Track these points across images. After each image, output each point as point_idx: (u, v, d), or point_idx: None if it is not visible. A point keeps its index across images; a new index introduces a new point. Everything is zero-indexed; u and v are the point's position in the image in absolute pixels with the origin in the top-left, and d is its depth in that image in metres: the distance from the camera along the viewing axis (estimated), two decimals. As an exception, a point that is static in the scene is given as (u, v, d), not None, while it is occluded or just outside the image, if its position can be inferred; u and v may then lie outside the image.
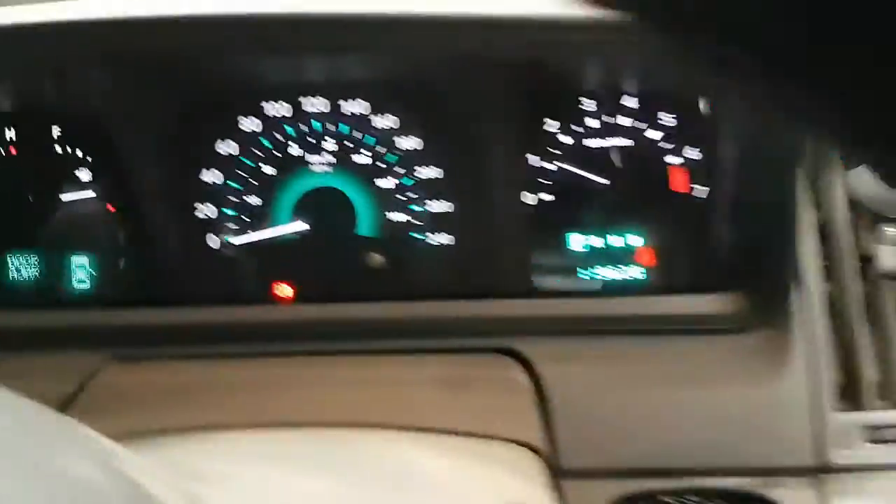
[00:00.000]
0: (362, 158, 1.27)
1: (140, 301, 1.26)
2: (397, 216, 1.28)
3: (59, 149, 1.26)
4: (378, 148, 1.27)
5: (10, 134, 1.26)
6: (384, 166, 1.27)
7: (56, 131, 1.26)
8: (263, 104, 1.25)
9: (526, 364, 1.21)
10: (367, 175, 1.28)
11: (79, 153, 1.26)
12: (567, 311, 1.23)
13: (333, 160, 1.28)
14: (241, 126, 1.26)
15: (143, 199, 1.24)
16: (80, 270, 1.29)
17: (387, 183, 1.28)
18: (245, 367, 1.22)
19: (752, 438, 1.11)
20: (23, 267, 1.28)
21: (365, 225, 1.29)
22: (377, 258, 1.25)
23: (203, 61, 1.20)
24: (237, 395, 1.18)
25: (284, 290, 1.29)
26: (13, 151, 1.27)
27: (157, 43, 1.07)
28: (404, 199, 1.28)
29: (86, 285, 1.29)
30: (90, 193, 1.27)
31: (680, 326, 1.21)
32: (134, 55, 1.10)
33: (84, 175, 1.27)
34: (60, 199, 1.27)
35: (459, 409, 1.14)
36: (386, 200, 1.28)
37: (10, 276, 1.28)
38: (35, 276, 1.28)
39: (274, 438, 1.07)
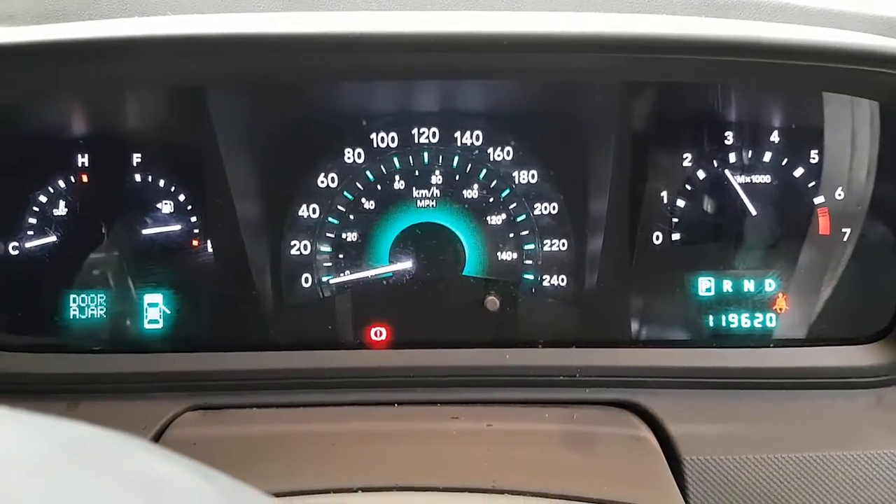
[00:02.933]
0: (472, 193, 1.17)
1: (222, 345, 1.15)
2: (508, 255, 1.18)
3: (138, 178, 1.15)
4: (490, 181, 1.17)
5: (84, 160, 1.15)
6: (496, 201, 1.17)
7: (136, 159, 1.14)
8: (371, 134, 1.14)
9: (649, 419, 1.12)
10: (476, 211, 1.17)
11: (161, 183, 1.15)
12: (694, 362, 1.13)
13: (440, 194, 1.17)
14: (344, 157, 1.15)
15: (232, 234, 1.13)
16: (156, 311, 1.17)
17: (498, 219, 1.17)
18: (337, 418, 1.12)
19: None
20: (89, 307, 1.17)
21: (473, 264, 1.18)
22: (493, 301, 1.15)
23: (310, 87, 1.09)
24: (331, 449, 1.07)
25: (380, 333, 1.19)
26: (84, 179, 1.15)
27: (260, 63, 0.95)
28: (516, 236, 1.18)
29: (163, 327, 1.18)
30: (173, 227, 1.15)
31: (819, 380, 1.12)
32: (239, 75, 0.99)
33: (166, 208, 1.15)
34: (138, 233, 1.16)
35: (591, 472, 1.04)
36: (496, 238, 1.18)
37: (73, 315, 1.16)
38: (103, 316, 1.17)
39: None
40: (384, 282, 1.18)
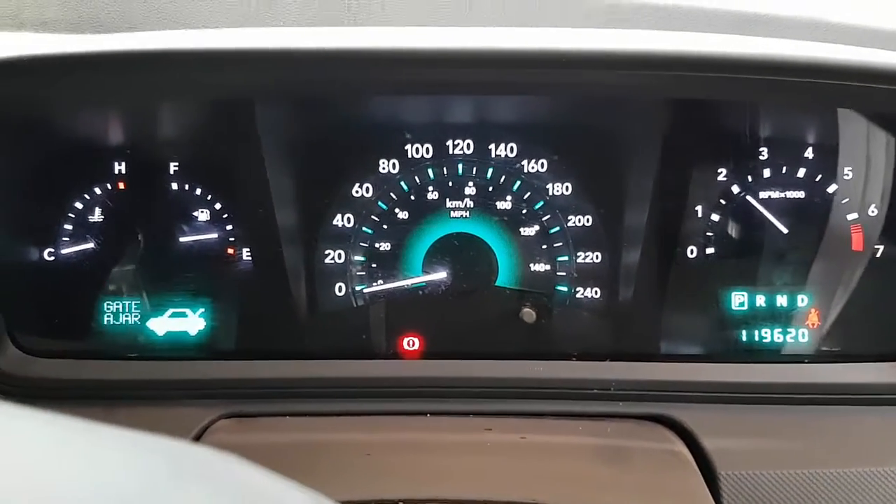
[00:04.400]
0: (505, 204, 1.17)
1: (255, 353, 1.16)
2: (541, 267, 1.18)
3: (175, 186, 1.15)
4: (524, 193, 1.17)
5: (120, 167, 1.15)
6: (529, 213, 1.17)
7: (173, 167, 1.15)
8: (406, 146, 1.14)
9: (683, 433, 1.12)
10: (509, 222, 1.17)
11: (198, 192, 1.15)
12: (728, 377, 1.13)
13: (473, 205, 1.17)
14: (379, 168, 1.15)
15: (271, 243, 1.13)
16: (191, 318, 1.18)
17: (531, 231, 1.18)
18: (371, 428, 1.12)
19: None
20: (124, 313, 1.17)
21: (505, 275, 1.18)
22: (530, 313, 1.15)
23: (346, 99, 1.09)
24: (367, 459, 1.07)
25: (412, 343, 1.19)
26: (121, 186, 1.16)
27: (306, 77, 0.96)
28: (550, 248, 1.18)
29: (198, 334, 1.18)
30: (209, 235, 1.16)
31: (853, 396, 1.11)
32: (282, 89, 0.99)
33: (202, 216, 1.16)
34: (174, 241, 1.16)
35: (626, 486, 1.04)
36: (529, 250, 1.18)
37: (108, 322, 1.17)
38: (139, 323, 1.17)
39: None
40: (418, 292, 1.19)
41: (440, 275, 1.18)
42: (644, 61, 0.85)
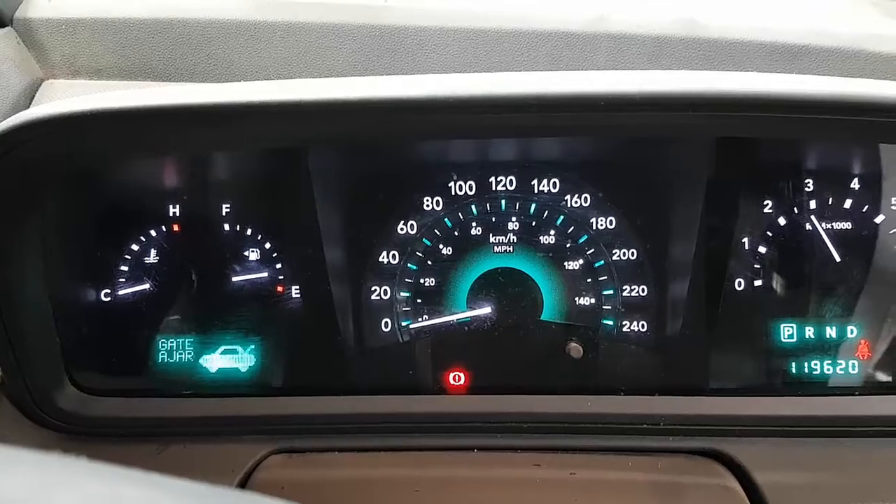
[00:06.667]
0: (549, 238, 1.18)
1: (305, 389, 1.17)
2: (586, 301, 1.19)
3: (227, 227, 1.19)
4: (567, 227, 1.18)
5: (175, 210, 1.19)
6: (573, 247, 1.18)
7: (225, 209, 1.18)
8: (449, 183, 1.17)
9: (735, 468, 1.10)
10: (554, 256, 1.18)
11: (249, 232, 1.19)
12: (778, 410, 1.11)
13: (516, 240, 1.19)
14: (424, 206, 1.17)
15: (320, 281, 1.16)
16: (242, 355, 1.20)
17: (575, 265, 1.18)
18: (419, 463, 1.13)
19: None
20: (177, 351, 1.20)
21: (550, 310, 1.19)
22: (577, 349, 1.15)
23: (393, 143, 1.12)
24: (415, 496, 1.08)
25: (458, 378, 1.20)
26: (176, 228, 1.19)
27: (355, 126, 0.97)
28: (595, 282, 1.18)
29: (248, 371, 1.20)
30: (260, 275, 1.19)
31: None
32: (337, 137, 1.02)
33: (253, 255, 1.19)
34: (226, 280, 1.19)
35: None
36: (575, 283, 1.19)
37: (162, 360, 1.20)
38: (191, 361, 1.20)
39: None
40: (463, 327, 1.20)
41: (485, 310, 1.19)
42: (690, 102, 0.86)
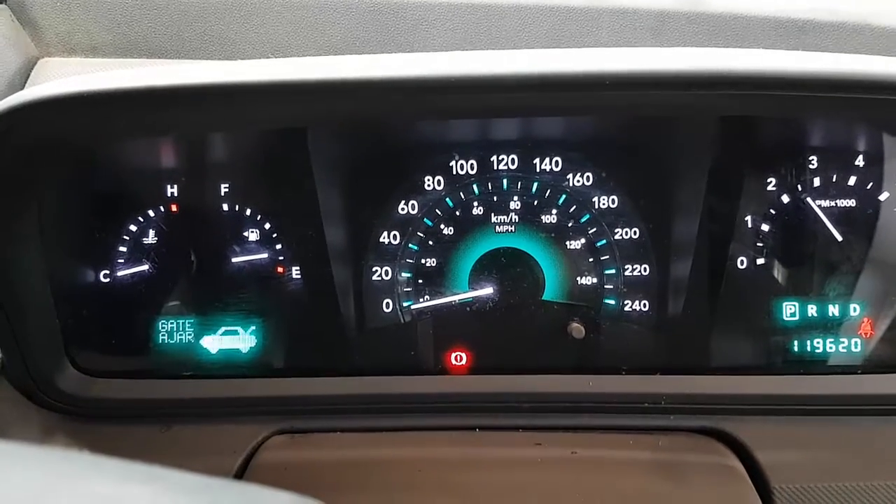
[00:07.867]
0: (551, 218, 1.17)
1: (306, 370, 1.17)
2: (588, 280, 1.18)
3: (226, 207, 1.18)
4: (569, 207, 1.17)
5: (173, 190, 1.18)
6: (575, 226, 1.17)
7: (224, 189, 1.17)
8: (451, 162, 1.15)
9: (736, 446, 1.11)
10: (555, 235, 1.18)
11: (248, 212, 1.18)
12: (780, 389, 1.11)
13: (518, 220, 1.18)
14: (425, 185, 1.16)
15: (321, 261, 1.15)
16: (244, 336, 1.20)
17: (577, 244, 1.18)
18: (421, 443, 1.13)
19: None
20: (178, 333, 1.19)
21: (552, 290, 1.19)
22: (579, 329, 1.15)
23: (394, 122, 1.10)
24: (419, 475, 1.08)
25: (460, 358, 1.20)
26: (174, 209, 1.18)
27: (356, 105, 0.95)
28: (596, 261, 1.18)
29: (250, 353, 1.20)
30: (260, 255, 1.18)
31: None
32: (338, 117, 1.01)
33: (253, 236, 1.18)
34: (225, 261, 1.18)
35: (680, 501, 1.03)
36: (576, 263, 1.18)
37: (163, 341, 1.19)
38: (193, 342, 1.20)
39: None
40: (465, 307, 1.19)
41: (487, 290, 1.19)
42: (693, 81, 0.84)
